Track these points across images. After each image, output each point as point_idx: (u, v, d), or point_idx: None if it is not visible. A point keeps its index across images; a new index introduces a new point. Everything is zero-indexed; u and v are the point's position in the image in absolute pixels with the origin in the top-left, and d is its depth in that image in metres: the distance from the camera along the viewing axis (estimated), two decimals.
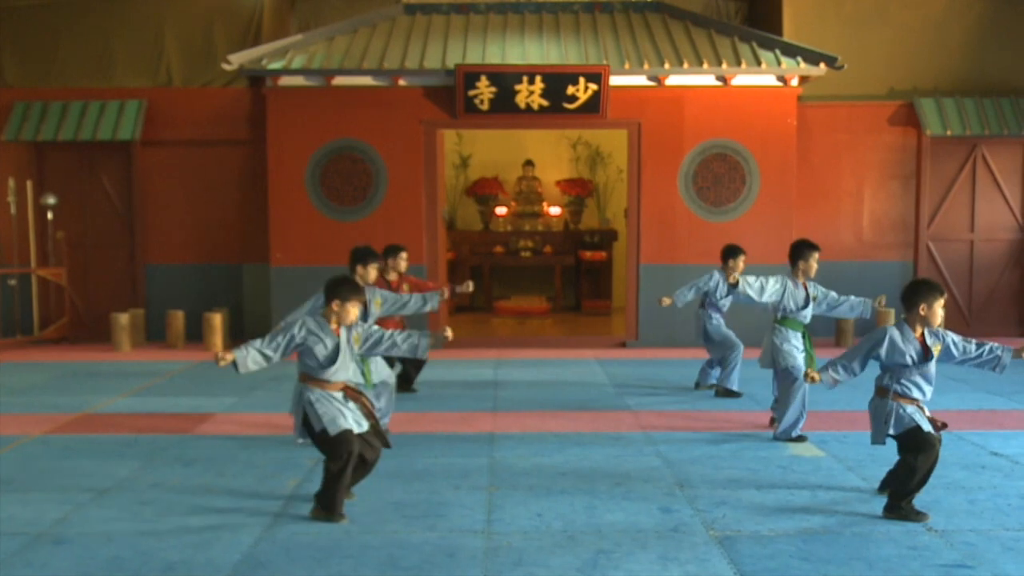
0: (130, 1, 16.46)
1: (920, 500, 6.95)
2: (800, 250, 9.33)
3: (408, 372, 11.48)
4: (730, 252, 11.09)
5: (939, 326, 7.00)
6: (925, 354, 6.85)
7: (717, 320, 11.33)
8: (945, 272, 16.13)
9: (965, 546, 6.18)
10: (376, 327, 7.27)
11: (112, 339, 15.02)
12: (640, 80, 14.82)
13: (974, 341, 7.17)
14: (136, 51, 16.52)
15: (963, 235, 16.21)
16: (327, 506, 6.73)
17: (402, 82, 14.81)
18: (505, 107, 14.70)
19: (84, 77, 16.41)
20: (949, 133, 15.65)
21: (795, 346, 9.23)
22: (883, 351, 6.83)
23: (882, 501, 6.99)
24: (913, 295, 6.89)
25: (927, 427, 6.75)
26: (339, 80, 14.79)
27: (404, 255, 10.92)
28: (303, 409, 6.77)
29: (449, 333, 7.27)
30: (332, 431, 6.63)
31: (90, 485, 7.63)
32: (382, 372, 8.99)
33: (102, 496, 7.34)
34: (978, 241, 16.21)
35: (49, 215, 15.56)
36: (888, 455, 8.08)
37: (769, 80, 14.87)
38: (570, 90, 14.59)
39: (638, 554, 6.07)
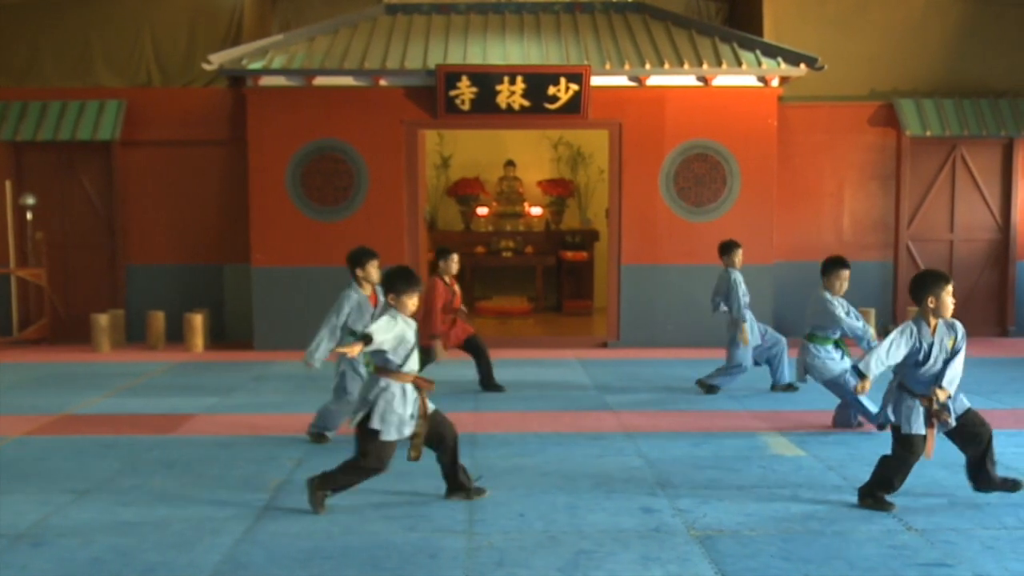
0: (110, 1, 16.40)
1: (899, 499, 6.99)
2: (828, 266, 9.56)
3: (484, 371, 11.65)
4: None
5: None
6: (930, 352, 6.84)
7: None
8: None
9: (945, 545, 6.21)
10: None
11: (92, 340, 14.95)
12: (621, 80, 14.84)
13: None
14: (116, 51, 16.46)
15: (943, 235, 16.28)
16: (331, 486, 6.92)
17: (383, 82, 14.79)
18: (486, 107, 14.70)
19: (63, 77, 16.34)
20: (928, 133, 15.71)
21: (828, 358, 9.46)
22: (902, 350, 6.86)
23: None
24: (919, 288, 6.88)
25: (913, 429, 6.77)
26: (320, 80, 14.76)
27: (455, 257, 11.50)
28: (377, 401, 6.76)
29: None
30: (383, 436, 6.76)
31: (70, 486, 7.61)
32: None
33: (82, 497, 7.32)
34: (957, 241, 16.28)
35: (28, 215, 15.48)
36: (868, 455, 8.10)
37: (750, 80, 14.90)
38: (551, 90, 14.59)
39: (619, 554, 6.08)
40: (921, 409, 6.82)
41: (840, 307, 9.47)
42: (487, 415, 10.14)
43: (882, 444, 8.66)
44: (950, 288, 6.86)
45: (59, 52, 16.37)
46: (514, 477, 7.79)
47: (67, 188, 15.98)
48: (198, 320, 15.04)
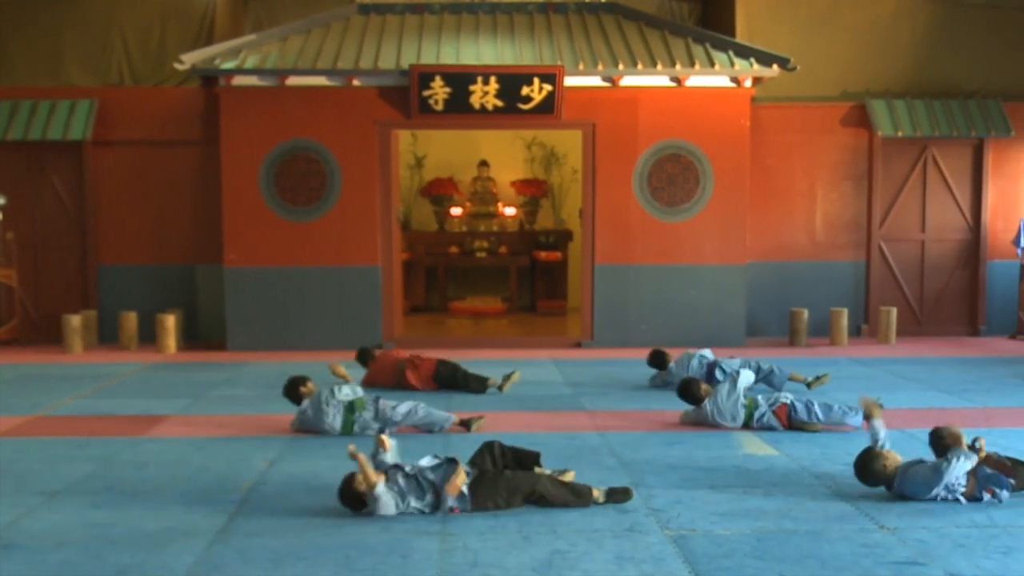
0: None
1: (873, 500, 7.04)
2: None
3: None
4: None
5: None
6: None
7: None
8: (897, 272, 16.27)
9: (917, 543, 6.24)
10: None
11: (64, 341, 14.86)
12: (594, 81, 14.85)
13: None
14: (87, 50, 16.35)
15: (914, 235, 16.36)
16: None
17: (356, 82, 14.76)
18: (460, 107, 14.68)
19: (34, 76, 16.21)
20: (900, 134, 15.79)
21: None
22: None
23: (835, 501, 7.07)
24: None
25: None
26: (293, 80, 14.72)
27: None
28: None
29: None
30: None
31: (41, 488, 7.56)
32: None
33: (53, 499, 7.28)
34: (929, 241, 16.37)
35: None
36: (841, 454, 8.13)
37: (723, 81, 14.94)
38: (524, 91, 14.59)
39: (594, 554, 6.09)
40: None
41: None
42: (461, 415, 10.12)
43: (855, 443, 8.71)
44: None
45: (30, 51, 16.25)
46: None
47: (38, 188, 15.86)
48: (171, 321, 14.97)
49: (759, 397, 9.67)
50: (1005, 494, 7.05)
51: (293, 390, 9.61)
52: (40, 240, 15.90)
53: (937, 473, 7.00)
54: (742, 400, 9.55)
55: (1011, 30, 16.62)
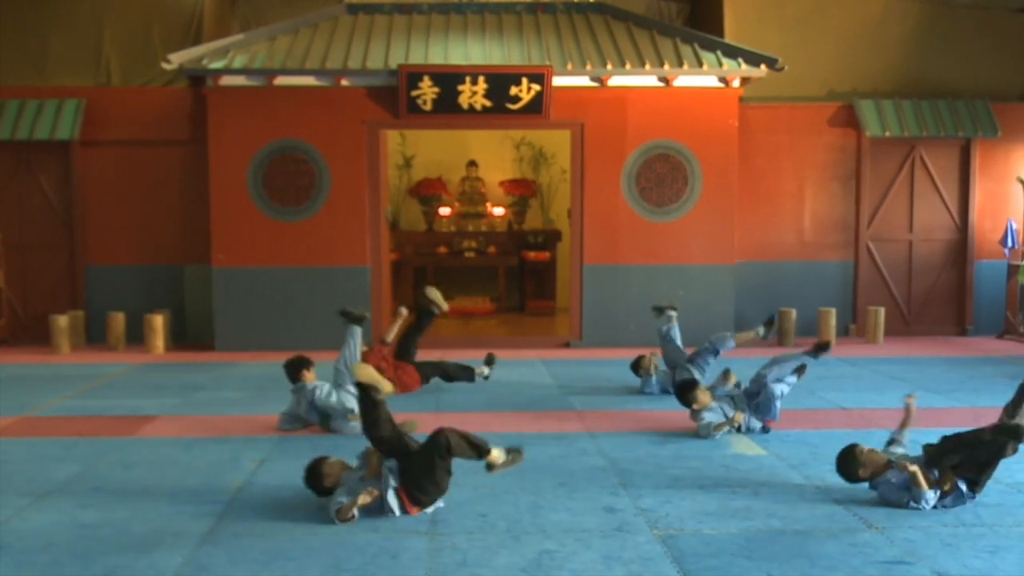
0: None
1: (860, 499, 7.05)
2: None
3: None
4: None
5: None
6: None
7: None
8: (885, 272, 16.31)
9: (905, 543, 6.26)
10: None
11: (51, 341, 14.81)
12: (583, 81, 14.86)
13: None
14: (74, 49, 16.28)
15: (902, 235, 16.39)
16: None
17: (344, 82, 14.74)
18: (448, 107, 14.68)
19: (20, 76, 16.14)
20: (888, 134, 15.83)
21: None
22: None
23: (823, 501, 7.09)
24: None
25: None
26: (281, 80, 14.69)
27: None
28: None
29: None
30: None
31: (29, 489, 7.54)
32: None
33: (41, 500, 7.26)
34: (916, 241, 16.40)
35: None
36: (830, 453, 8.14)
37: (711, 81, 14.95)
38: (513, 91, 14.59)
39: (582, 554, 6.09)
40: None
41: None
42: (449, 416, 10.12)
43: (844, 443, 8.73)
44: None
45: (16, 51, 16.17)
46: (477, 477, 7.75)
47: (25, 188, 15.81)
48: (159, 321, 14.93)
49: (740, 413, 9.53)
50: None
51: (296, 369, 9.75)
52: (28, 240, 15.85)
53: (906, 493, 7.02)
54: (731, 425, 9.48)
55: (998, 31, 16.68)
